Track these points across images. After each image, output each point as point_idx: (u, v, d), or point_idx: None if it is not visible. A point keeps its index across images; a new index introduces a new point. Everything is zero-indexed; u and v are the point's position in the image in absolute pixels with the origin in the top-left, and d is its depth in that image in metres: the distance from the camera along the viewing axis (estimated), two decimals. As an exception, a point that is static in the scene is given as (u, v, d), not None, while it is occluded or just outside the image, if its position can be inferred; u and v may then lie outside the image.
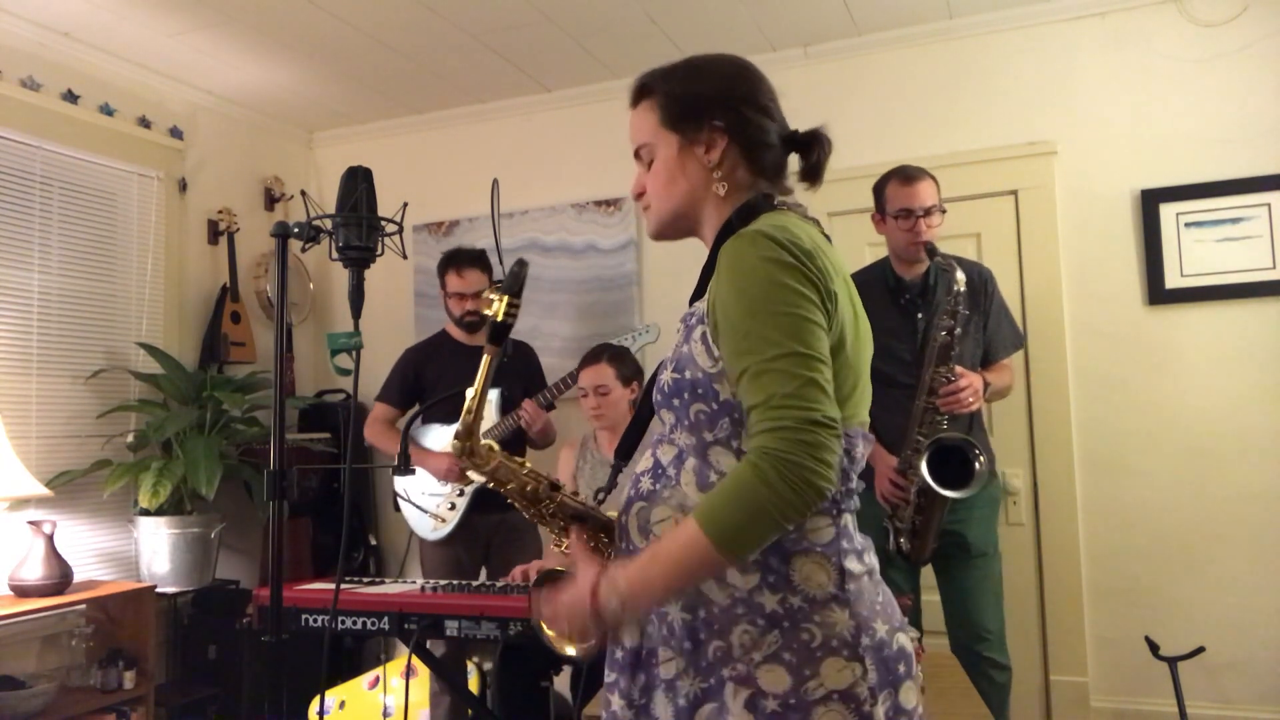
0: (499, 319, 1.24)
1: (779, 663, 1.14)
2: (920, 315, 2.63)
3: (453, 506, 3.21)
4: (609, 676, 1.29)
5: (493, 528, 3.21)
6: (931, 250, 2.55)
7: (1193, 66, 3.22)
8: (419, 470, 3.26)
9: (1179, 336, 3.21)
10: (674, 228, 1.36)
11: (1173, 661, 2.91)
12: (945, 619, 2.72)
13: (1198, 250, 3.19)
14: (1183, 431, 3.18)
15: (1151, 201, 3.24)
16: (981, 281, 2.70)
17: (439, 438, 3.26)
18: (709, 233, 1.32)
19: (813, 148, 1.32)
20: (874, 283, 2.71)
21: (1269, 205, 3.11)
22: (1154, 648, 2.97)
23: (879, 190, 2.70)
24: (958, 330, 2.50)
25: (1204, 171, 3.19)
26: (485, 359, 1.24)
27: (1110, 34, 3.34)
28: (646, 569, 1.12)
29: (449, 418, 3.27)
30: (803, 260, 1.14)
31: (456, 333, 3.33)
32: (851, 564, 1.20)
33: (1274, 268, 3.10)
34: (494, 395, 3.22)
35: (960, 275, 2.50)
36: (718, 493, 1.10)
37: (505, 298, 1.23)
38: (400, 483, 3.31)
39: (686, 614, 1.19)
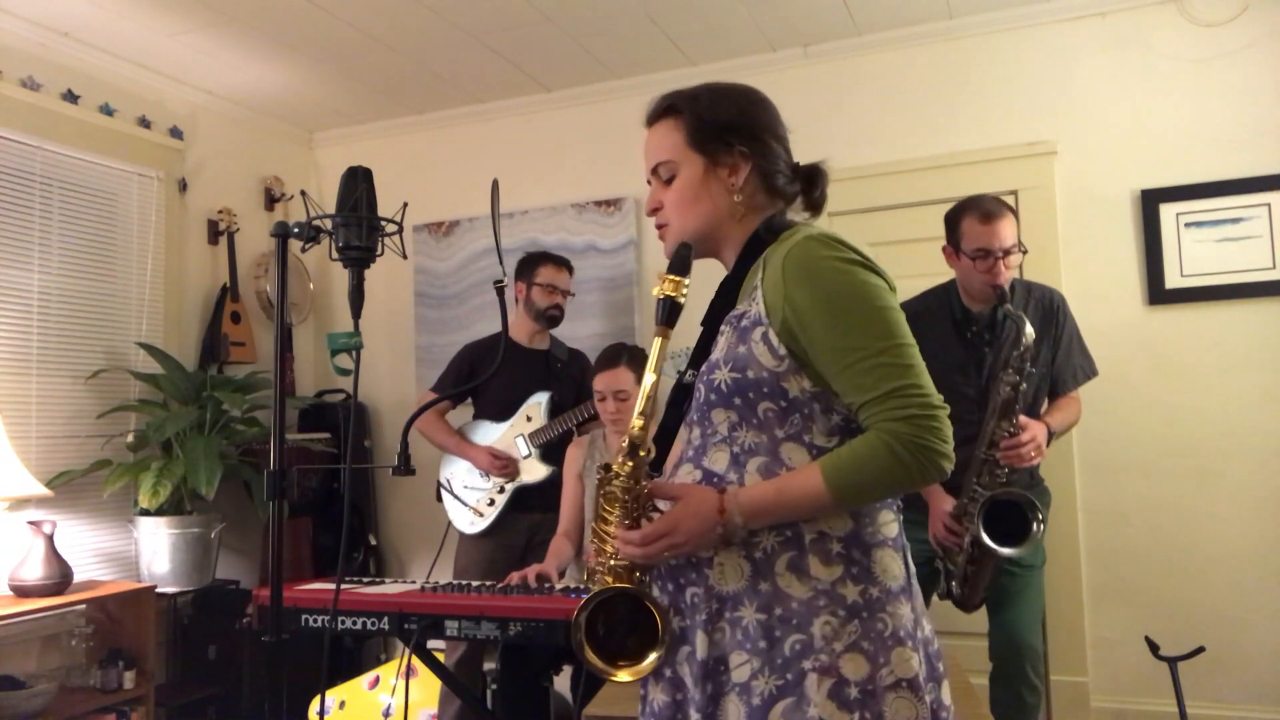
0: (677, 298, 1.27)
1: (859, 651, 1.19)
2: (987, 350, 2.50)
3: (491, 503, 3.25)
4: (661, 699, 1.30)
5: (534, 526, 3.23)
6: (1003, 296, 2.40)
7: (1193, 66, 3.22)
8: (462, 463, 3.32)
9: (1179, 336, 3.20)
10: (696, 248, 1.38)
11: (1173, 661, 2.90)
12: (989, 629, 2.66)
13: (1198, 250, 3.19)
14: (1183, 431, 3.18)
15: (1151, 201, 3.24)
16: (1054, 308, 2.55)
17: (486, 435, 3.32)
18: (730, 249, 1.38)
19: (816, 180, 1.40)
20: (938, 311, 2.58)
21: (1269, 205, 3.11)
22: (1154, 648, 2.97)
23: (953, 223, 2.51)
24: (1023, 386, 2.36)
25: (1204, 171, 3.18)
26: (658, 341, 1.27)
27: (1110, 34, 3.34)
28: (769, 501, 1.21)
29: (499, 416, 3.32)
30: (871, 260, 1.25)
31: (515, 333, 3.38)
32: (909, 559, 1.29)
33: (1274, 268, 3.10)
34: (543, 399, 3.26)
35: (1029, 330, 2.34)
36: (849, 461, 1.19)
37: (678, 278, 1.28)
38: (445, 473, 3.37)
39: (762, 614, 1.22)
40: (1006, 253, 2.42)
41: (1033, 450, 2.39)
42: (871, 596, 1.21)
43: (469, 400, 3.46)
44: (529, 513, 3.23)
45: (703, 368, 1.31)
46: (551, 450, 3.24)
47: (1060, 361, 2.58)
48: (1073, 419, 2.63)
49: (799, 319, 1.21)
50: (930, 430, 1.16)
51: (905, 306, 2.67)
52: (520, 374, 3.28)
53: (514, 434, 3.28)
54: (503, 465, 3.21)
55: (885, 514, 1.27)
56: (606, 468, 1.29)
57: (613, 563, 1.29)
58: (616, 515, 1.28)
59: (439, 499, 3.39)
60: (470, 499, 3.28)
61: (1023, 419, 2.40)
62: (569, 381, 3.36)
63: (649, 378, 1.27)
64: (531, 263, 3.36)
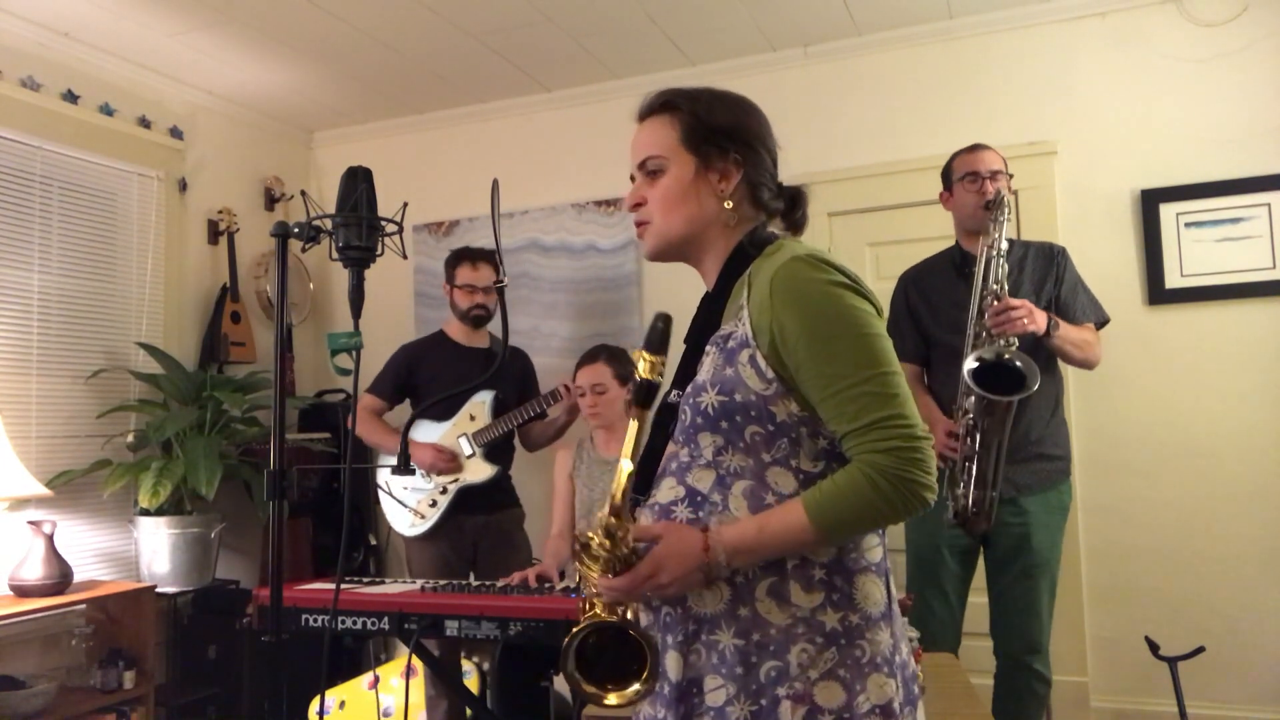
0: (649, 378, 1.17)
1: (835, 679, 1.18)
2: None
3: (434, 504, 3.17)
4: (646, 712, 1.28)
5: (479, 530, 3.19)
6: (990, 205, 2.50)
7: (1193, 66, 3.22)
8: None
9: (1179, 336, 3.21)
10: (676, 251, 1.35)
11: (1173, 661, 2.91)
12: (993, 623, 2.66)
13: (1198, 250, 3.19)
14: (1183, 431, 3.18)
15: (1151, 201, 3.24)
16: (1054, 252, 2.65)
17: (427, 434, 3.25)
18: (711, 259, 1.34)
19: (798, 201, 1.38)
20: (940, 265, 2.74)
21: (1269, 205, 3.11)
22: (1154, 648, 2.97)
23: (946, 168, 2.71)
24: (1003, 245, 2.43)
25: (1204, 171, 3.19)
26: (633, 425, 1.18)
27: (1110, 34, 3.34)
28: (751, 539, 1.18)
29: (442, 415, 3.26)
30: (858, 281, 1.22)
31: (455, 333, 3.32)
32: (890, 583, 1.27)
33: (1274, 268, 3.10)
34: (487, 398, 3.22)
35: (1005, 196, 2.49)
36: (830, 495, 1.16)
37: (651, 356, 1.18)
38: (382, 475, 3.29)
39: (739, 639, 1.20)
40: (994, 175, 2.57)
41: (1024, 315, 2.37)
42: (851, 623, 1.20)
43: (407, 401, 3.36)
44: (473, 514, 3.17)
45: (688, 389, 1.27)
46: (496, 450, 3.20)
47: (1066, 296, 2.61)
48: (1088, 338, 2.58)
49: (786, 342, 1.18)
50: (913, 462, 1.14)
51: (911, 270, 2.79)
52: (460, 373, 3.20)
53: (457, 433, 3.21)
54: (447, 459, 3.13)
55: (869, 539, 1.25)
56: (585, 545, 1.21)
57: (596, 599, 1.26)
58: (599, 569, 1.22)
59: (376, 501, 3.32)
60: (411, 500, 3.19)
61: (1011, 299, 2.41)
62: (510, 379, 3.30)
63: (625, 464, 1.17)
64: (451, 263, 3.28)
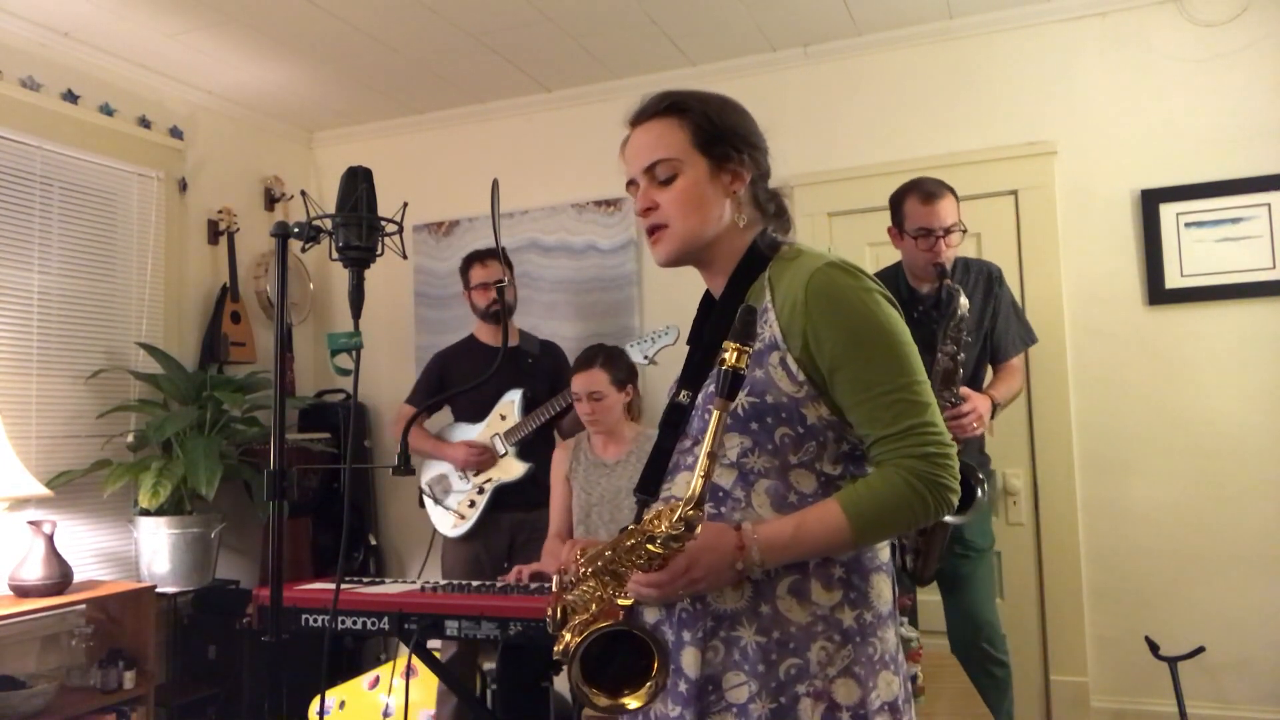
0: (739, 368, 1.13)
1: (851, 676, 1.20)
2: (936, 328, 2.51)
3: (472, 504, 3.25)
4: (658, 710, 1.26)
5: (515, 526, 3.24)
6: (942, 273, 2.48)
7: (1193, 66, 3.22)
8: (443, 466, 3.33)
9: (1179, 336, 3.20)
10: (692, 255, 1.34)
11: (1173, 661, 2.91)
12: (945, 615, 2.72)
13: (1198, 250, 3.19)
14: (1183, 431, 3.18)
15: (1151, 201, 3.24)
16: (991, 279, 2.66)
17: (463, 437, 3.33)
18: (722, 261, 1.34)
19: (784, 204, 1.39)
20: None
21: (1269, 205, 3.11)
22: (1154, 648, 2.97)
23: (896, 204, 2.59)
24: (961, 355, 2.43)
25: (1204, 171, 3.18)
26: (716, 415, 1.13)
27: (1110, 34, 3.34)
28: (787, 537, 1.18)
29: (475, 416, 3.33)
30: (887, 292, 1.26)
31: (483, 335, 3.40)
32: (895, 583, 1.30)
33: (1274, 268, 3.10)
34: (516, 396, 3.27)
35: (964, 300, 2.42)
36: (868, 497, 1.18)
37: (742, 347, 1.13)
38: (425, 479, 3.39)
39: (761, 637, 1.21)
40: (947, 231, 2.50)
41: (974, 421, 2.44)
42: (865, 621, 1.22)
43: (445, 406, 3.46)
44: (509, 511, 3.24)
45: (709, 390, 1.27)
46: (528, 447, 3.24)
47: (1000, 329, 2.66)
48: (1016, 389, 2.70)
49: (821, 347, 1.20)
50: (945, 467, 1.18)
51: None
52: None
53: (490, 434, 3.28)
54: (479, 453, 3.22)
55: None
56: (651, 538, 1.16)
57: (619, 601, 1.22)
58: (640, 565, 1.19)
59: (421, 505, 3.41)
60: (451, 502, 3.29)
61: (964, 390, 2.46)
62: (541, 376, 3.35)
63: (704, 463, 1.11)
64: (464, 269, 3.39)
